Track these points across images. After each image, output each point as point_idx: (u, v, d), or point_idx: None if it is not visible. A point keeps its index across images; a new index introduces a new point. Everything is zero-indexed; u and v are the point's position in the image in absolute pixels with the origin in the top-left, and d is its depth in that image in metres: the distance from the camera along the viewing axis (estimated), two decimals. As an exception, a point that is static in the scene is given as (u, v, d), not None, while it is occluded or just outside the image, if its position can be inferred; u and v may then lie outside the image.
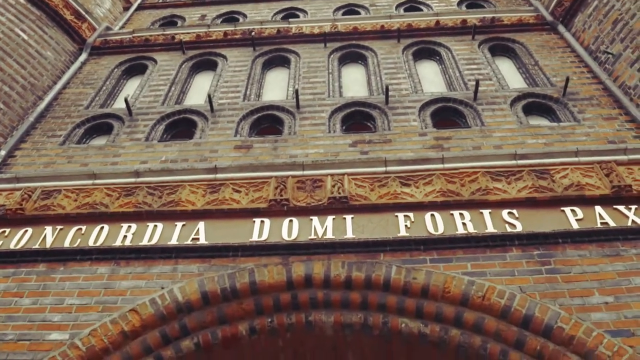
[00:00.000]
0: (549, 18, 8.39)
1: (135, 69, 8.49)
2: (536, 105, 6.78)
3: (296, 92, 6.87)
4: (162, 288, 4.67)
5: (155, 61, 8.43)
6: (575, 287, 4.38)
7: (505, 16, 8.57)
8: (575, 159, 5.57)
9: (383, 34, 8.46)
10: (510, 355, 4.17)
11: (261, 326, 4.59)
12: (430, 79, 7.66)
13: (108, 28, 9.37)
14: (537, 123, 6.48)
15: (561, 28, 8.19)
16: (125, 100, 7.04)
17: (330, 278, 4.63)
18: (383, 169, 5.62)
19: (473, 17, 8.53)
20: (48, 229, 5.31)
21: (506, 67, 7.79)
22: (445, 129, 6.35)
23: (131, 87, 8.08)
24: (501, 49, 8.19)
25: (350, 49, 8.36)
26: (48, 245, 5.13)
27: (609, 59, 7.16)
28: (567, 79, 6.74)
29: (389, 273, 4.59)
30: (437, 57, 8.14)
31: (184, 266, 4.84)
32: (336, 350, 4.75)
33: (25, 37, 7.90)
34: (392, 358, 4.68)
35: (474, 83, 6.97)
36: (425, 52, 8.24)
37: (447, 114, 6.81)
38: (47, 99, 7.48)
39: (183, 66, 8.31)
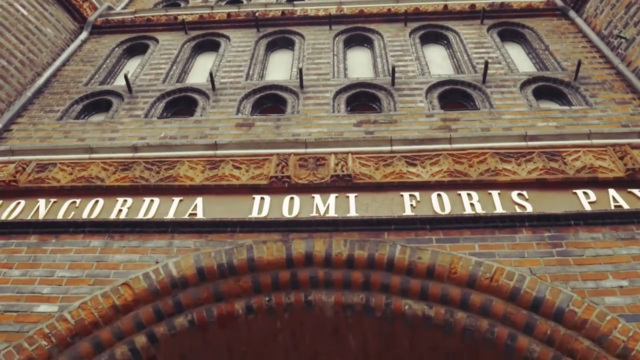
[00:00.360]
0: (560, 4, 8.18)
1: (136, 49, 8.30)
2: (547, 89, 6.58)
3: (300, 71, 6.68)
4: (157, 262, 4.49)
5: (157, 41, 8.25)
6: (588, 270, 4.19)
7: (515, 1, 8.36)
8: (588, 142, 5.37)
9: (389, 17, 8.25)
10: (519, 340, 3.98)
11: (258, 305, 4.41)
12: (438, 62, 7.45)
13: (110, 8, 9.20)
14: (548, 107, 6.28)
15: (572, 13, 7.97)
16: (125, 77, 6.86)
17: (332, 256, 4.44)
18: (388, 148, 5.43)
19: (482, 2, 8.32)
20: (41, 202, 5.14)
21: (516, 52, 7.58)
22: (453, 111, 6.15)
23: (132, 66, 7.90)
24: (510, 34, 7.98)
25: (356, 31, 8.16)
26: (41, 217, 4.96)
27: (622, 44, 6.95)
28: (579, 62, 6.54)
29: (393, 252, 4.40)
30: (445, 42, 7.94)
31: (180, 241, 4.66)
32: (336, 332, 4.56)
33: (25, 13, 7.72)
34: (395, 341, 4.49)
35: (482, 66, 6.77)
36: (433, 36, 8.04)
37: (454, 96, 6.61)
38: (46, 74, 7.31)
39: (185, 46, 8.13)
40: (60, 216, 4.98)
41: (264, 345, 4.62)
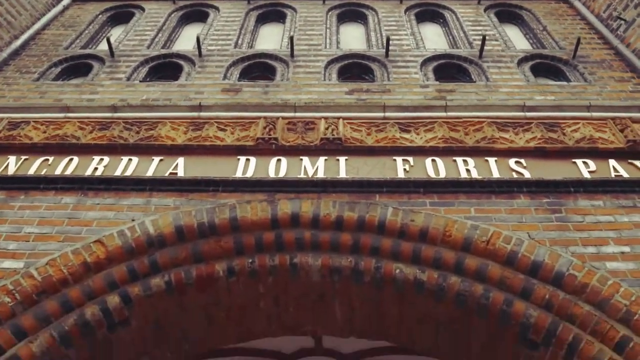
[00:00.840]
0: (558, -13, 8.04)
1: (121, 17, 7.98)
2: (544, 66, 6.41)
3: (291, 39, 6.44)
4: (133, 220, 4.20)
5: (143, 9, 7.95)
6: (589, 235, 3.99)
7: (513, -16, 8.21)
8: (588, 114, 5.20)
9: (385, -7, 8.05)
10: (515, 305, 3.75)
11: (240, 267, 4.13)
12: (434, 40, 7.25)
13: (95, -23, 8.85)
14: (546, 82, 6.11)
15: (571, -3, 7.84)
16: (108, 40, 6.55)
17: (320, 217, 4.18)
18: (381, 114, 5.20)
19: (479, -17, 8.14)
20: (11, 159, 4.82)
21: (513, 33, 7.41)
22: (449, 82, 5.95)
23: (115, 33, 7.58)
24: (508, 16, 7.82)
25: (350, 7, 7.94)
26: (9, 173, 4.65)
27: (621, 26, 6.81)
28: (579, 40, 6.39)
29: (385, 214, 4.16)
30: (441, 20, 7.74)
31: (159, 199, 4.38)
32: (322, 299, 4.30)
33: (5, -26, 7.37)
34: (383, 309, 4.24)
35: (479, 42, 6.56)
36: (429, 15, 7.85)
37: (450, 71, 6.40)
38: (24, 37, 6.97)
39: (172, 15, 7.84)
40: (31, 172, 4.68)
41: (244, 312, 4.34)
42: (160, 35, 7.27)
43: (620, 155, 4.71)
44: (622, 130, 4.93)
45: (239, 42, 7.03)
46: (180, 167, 4.69)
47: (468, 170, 4.57)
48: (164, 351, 4.33)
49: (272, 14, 7.93)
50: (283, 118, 5.16)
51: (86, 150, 4.89)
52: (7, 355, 3.51)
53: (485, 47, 6.49)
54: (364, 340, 5.96)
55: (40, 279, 3.79)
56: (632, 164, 4.65)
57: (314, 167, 4.63)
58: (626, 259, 3.80)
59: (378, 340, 4.64)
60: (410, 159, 4.69)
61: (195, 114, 5.28)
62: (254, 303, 4.31)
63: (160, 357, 4.34)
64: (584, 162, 4.65)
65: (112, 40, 6.76)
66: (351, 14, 7.88)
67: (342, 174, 4.55)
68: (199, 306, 4.19)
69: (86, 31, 7.42)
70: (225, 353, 5.95)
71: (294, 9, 7.84)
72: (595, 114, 5.19)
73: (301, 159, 4.72)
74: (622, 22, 6.81)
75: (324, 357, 6.41)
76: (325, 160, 4.70)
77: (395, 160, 4.68)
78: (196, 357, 5.60)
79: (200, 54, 6.50)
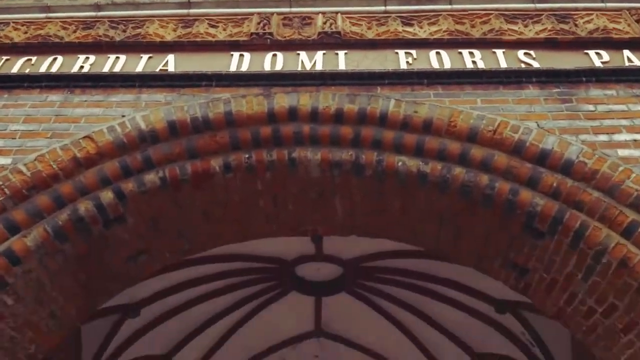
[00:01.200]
0: None
1: None
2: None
3: None
4: (123, 116, 4.01)
5: None
6: (600, 124, 3.82)
7: None
8: (602, 5, 4.90)
9: None
10: (521, 194, 3.63)
11: (237, 162, 3.98)
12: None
13: None
14: (557, -23, 5.74)
15: None
16: (88, -62, 6.09)
17: (319, 110, 3.99)
18: (382, 8, 4.90)
19: None
20: (-8, 59, 4.58)
21: None
22: (454, -22, 5.58)
23: None
24: None
25: None
26: (-9, 73, 4.42)
27: None
28: None
29: (387, 106, 3.96)
30: None
31: (149, 95, 4.16)
32: (322, 195, 4.19)
33: None
34: (385, 203, 4.14)
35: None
36: None
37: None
38: (-2, -62, 6.49)
39: None
40: (14, 72, 4.44)
41: (242, 209, 4.24)
42: None
43: (635, 45, 4.47)
44: (638, 21, 4.67)
45: (230, -59, 6.55)
46: (171, 63, 4.46)
47: (474, 62, 4.34)
48: (162, 250, 4.28)
49: None
50: (278, 14, 4.86)
51: (70, 49, 4.64)
52: (0, 249, 3.44)
53: (493, -58, 6.05)
54: (364, 246, 6.01)
55: (29, 175, 3.65)
56: (647, 54, 4.41)
57: (312, 61, 4.40)
58: (639, 146, 3.65)
59: (379, 238, 4.58)
60: (413, 51, 4.45)
61: (184, 11, 4.98)
62: (252, 200, 4.19)
63: (158, 256, 4.29)
64: (597, 53, 4.42)
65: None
66: None
67: (342, 67, 4.33)
68: (196, 203, 4.09)
69: None
70: (226, 259, 5.98)
71: None
72: (609, 5, 4.89)
73: (298, 54, 4.48)
74: None
75: (324, 263, 6.45)
76: (324, 54, 4.46)
77: (397, 53, 4.44)
78: (197, 261, 5.63)
79: (188, -46, 6.06)
